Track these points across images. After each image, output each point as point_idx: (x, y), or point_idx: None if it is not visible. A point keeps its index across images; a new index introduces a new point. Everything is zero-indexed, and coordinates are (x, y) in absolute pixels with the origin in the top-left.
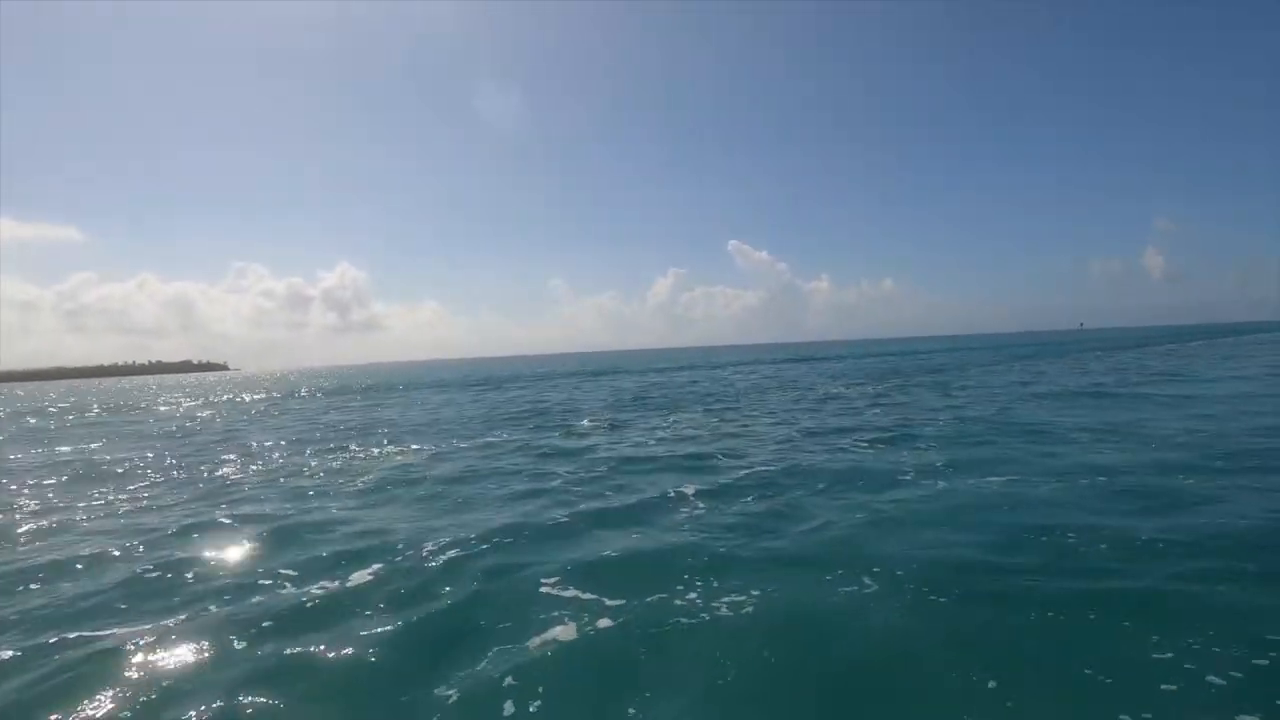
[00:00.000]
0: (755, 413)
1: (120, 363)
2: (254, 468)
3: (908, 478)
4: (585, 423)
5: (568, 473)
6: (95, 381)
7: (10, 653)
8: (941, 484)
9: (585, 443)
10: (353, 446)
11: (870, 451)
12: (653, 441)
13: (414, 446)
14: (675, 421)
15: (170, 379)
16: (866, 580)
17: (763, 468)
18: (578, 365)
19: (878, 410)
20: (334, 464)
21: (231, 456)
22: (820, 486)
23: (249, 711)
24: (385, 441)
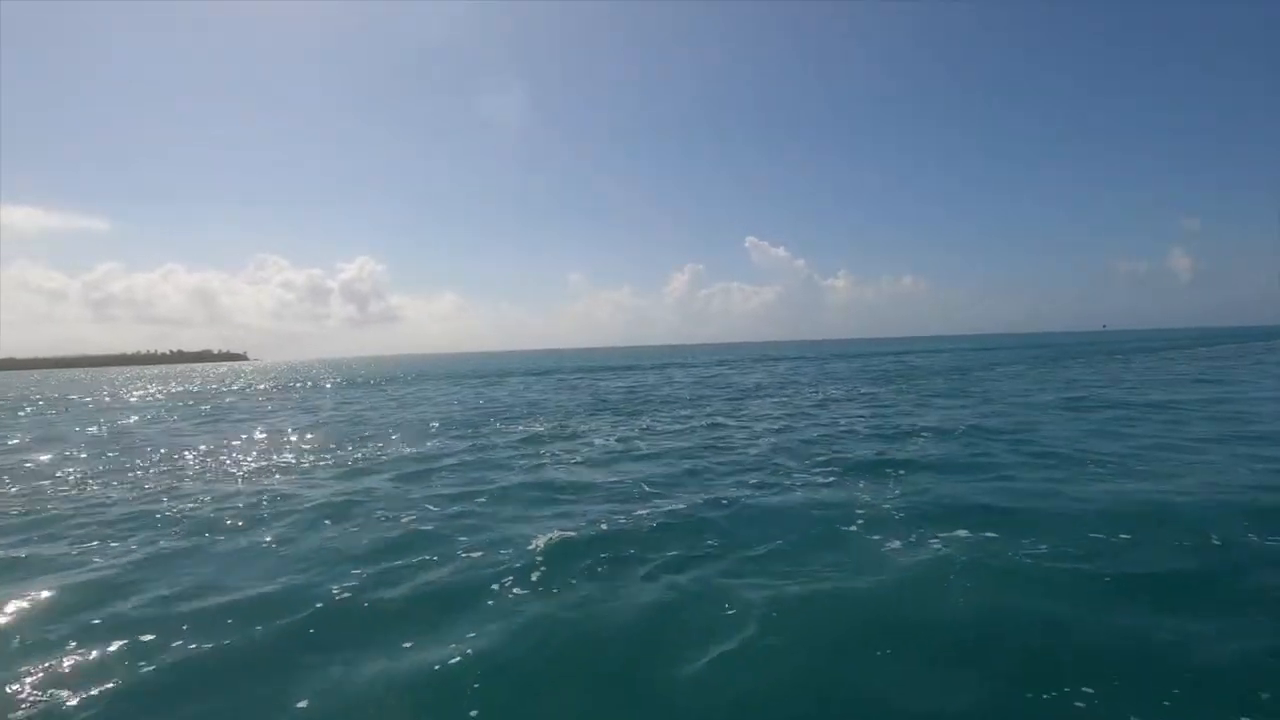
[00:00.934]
0: (733, 424)
1: (142, 351)
2: None
3: (853, 528)
4: (537, 427)
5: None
6: (109, 370)
7: None
8: (893, 544)
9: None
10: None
11: (828, 487)
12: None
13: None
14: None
15: (149, 369)
16: None
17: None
18: (588, 361)
19: (871, 423)
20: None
21: None
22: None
23: None
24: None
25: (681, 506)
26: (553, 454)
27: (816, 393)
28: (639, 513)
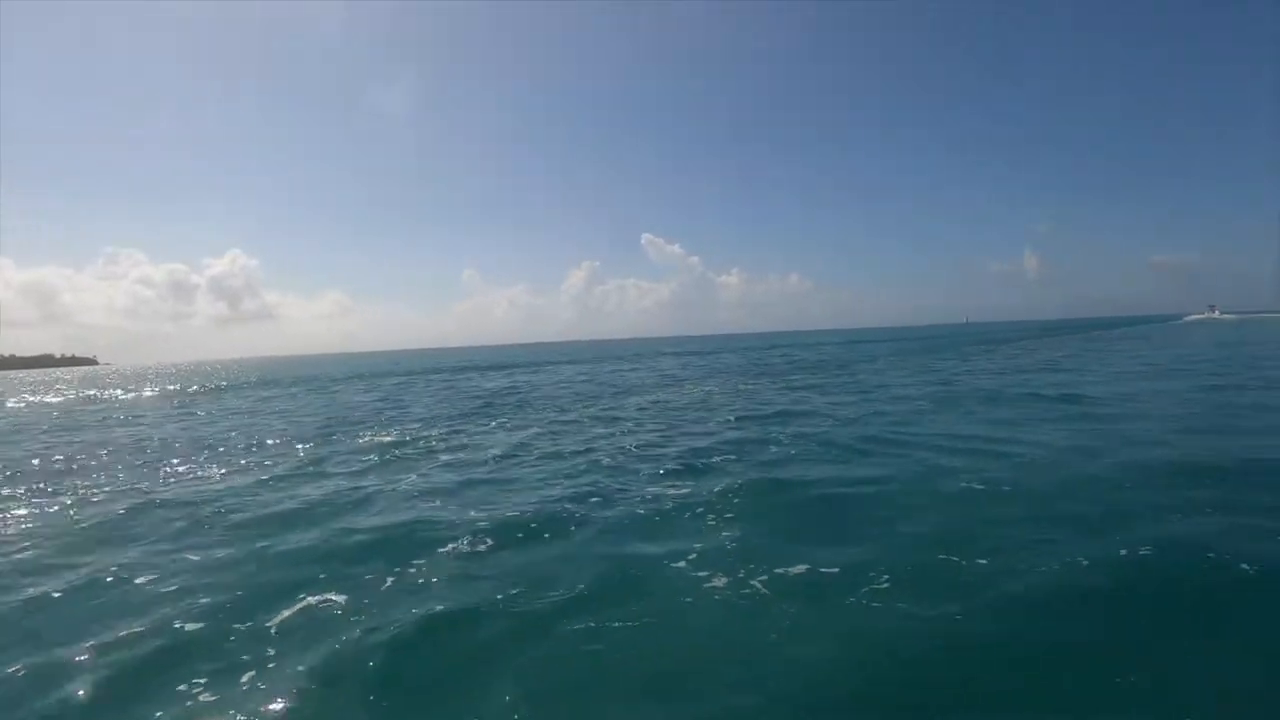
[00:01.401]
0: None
1: None
2: None
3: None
4: (387, 438)
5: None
6: None
7: None
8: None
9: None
10: None
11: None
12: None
13: None
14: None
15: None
16: None
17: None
18: (478, 359)
19: (735, 418)
20: None
21: None
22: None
23: None
24: None
25: (497, 553)
26: (385, 479)
27: (699, 389)
28: (449, 577)
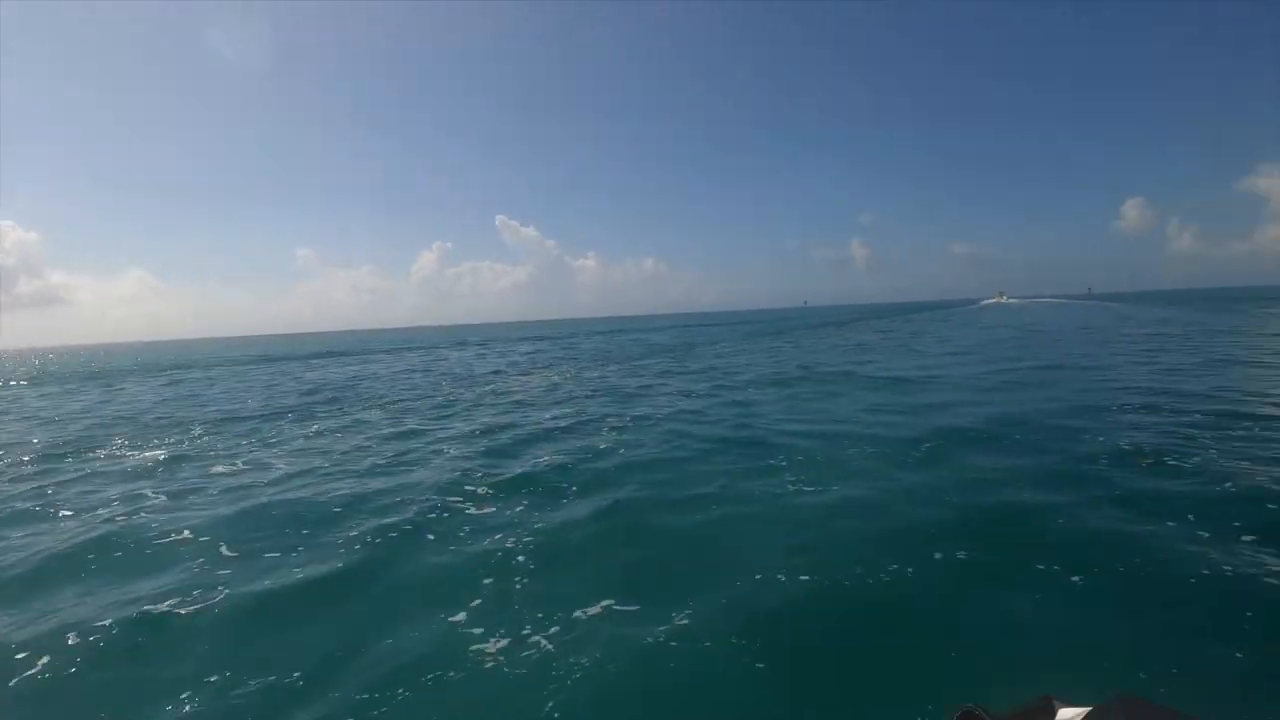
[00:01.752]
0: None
1: None
2: None
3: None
4: (168, 449)
5: None
6: None
7: None
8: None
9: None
10: None
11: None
12: None
13: None
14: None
15: None
16: None
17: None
18: (307, 347)
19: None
20: None
21: None
22: None
23: None
24: None
25: (236, 638)
26: (130, 514)
27: (544, 378)
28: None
